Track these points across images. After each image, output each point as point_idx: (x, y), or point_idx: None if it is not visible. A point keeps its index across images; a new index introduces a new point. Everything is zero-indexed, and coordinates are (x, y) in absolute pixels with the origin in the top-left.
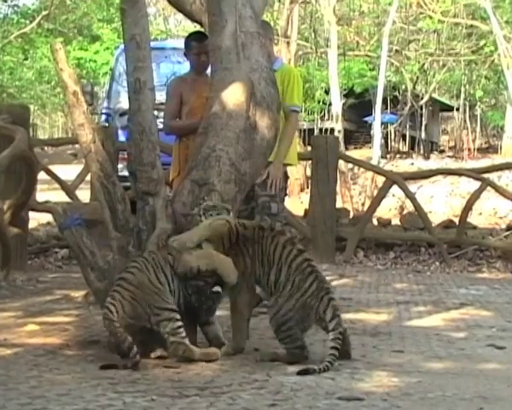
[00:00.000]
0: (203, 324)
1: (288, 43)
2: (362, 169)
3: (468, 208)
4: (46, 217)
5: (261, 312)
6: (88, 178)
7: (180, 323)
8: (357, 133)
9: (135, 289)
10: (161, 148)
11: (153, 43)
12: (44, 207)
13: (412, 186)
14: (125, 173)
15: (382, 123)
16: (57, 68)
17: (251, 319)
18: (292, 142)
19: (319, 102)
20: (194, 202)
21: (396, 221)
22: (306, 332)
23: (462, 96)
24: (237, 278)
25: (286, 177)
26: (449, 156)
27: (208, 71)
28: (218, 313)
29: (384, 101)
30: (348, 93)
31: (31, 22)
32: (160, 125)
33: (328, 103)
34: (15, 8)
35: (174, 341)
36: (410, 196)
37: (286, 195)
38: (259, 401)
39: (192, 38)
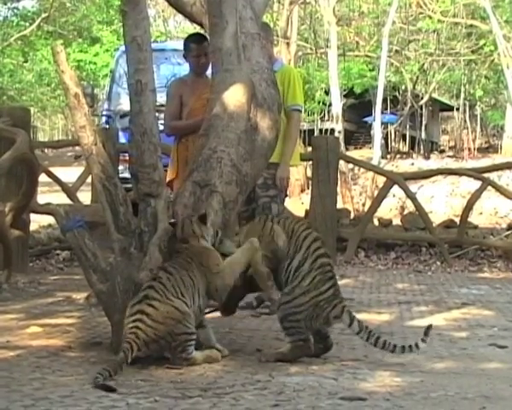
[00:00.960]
0: (197, 326)
1: (287, 43)
2: (362, 169)
3: (468, 208)
4: (47, 219)
5: (263, 313)
6: (89, 180)
7: (192, 342)
8: (358, 134)
9: (159, 325)
10: (162, 149)
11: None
12: (46, 210)
13: (413, 186)
14: (126, 175)
15: (382, 123)
16: (58, 70)
17: (254, 320)
18: (296, 142)
19: (319, 102)
20: (196, 203)
21: (397, 221)
22: (310, 331)
23: (462, 95)
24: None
25: None
26: (449, 156)
27: (208, 72)
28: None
29: (384, 101)
30: (348, 93)
31: (30, 25)
32: (161, 127)
33: (328, 104)
34: (15, 11)
35: (181, 357)
36: (411, 196)
37: (286, 196)
38: (262, 402)
39: (191, 39)
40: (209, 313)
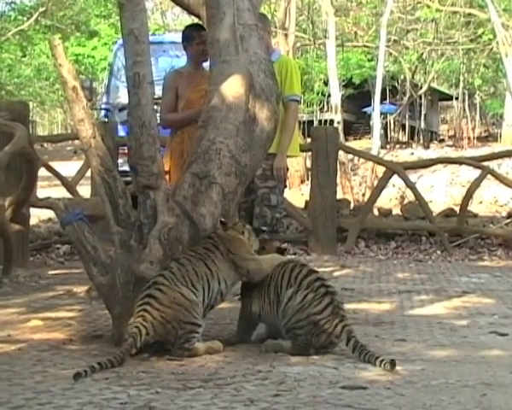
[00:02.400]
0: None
1: (286, 35)
2: (362, 160)
3: (468, 197)
4: (47, 213)
5: None
6: (88, 173)
7: (198, 334)
8: (357, 124)
9: (166, 308)
10: (161, 142)
11: (151, 38)
12: (45, 204)
13: (412, 176)
14: (126, 168)
15: (381, 113)
16: (56, 64)
17: None
18: (293, 132)
19: (318, 93)
20: (195, 195)
21: (397, 211)
22: (309, 349)
23: (461, 84)
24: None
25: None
26: (448, 145)
27: (205, 64)
28: (221, 305)
29: (383, 91)
30: (347, 84)
31: (28, 19)
32: (159, 120)
33: (327, 95)
34: (13, 6)
35: (183, 347)
36: (411, 186)
37: (285, 186)
38: (263, 392)
39: (192, 28)
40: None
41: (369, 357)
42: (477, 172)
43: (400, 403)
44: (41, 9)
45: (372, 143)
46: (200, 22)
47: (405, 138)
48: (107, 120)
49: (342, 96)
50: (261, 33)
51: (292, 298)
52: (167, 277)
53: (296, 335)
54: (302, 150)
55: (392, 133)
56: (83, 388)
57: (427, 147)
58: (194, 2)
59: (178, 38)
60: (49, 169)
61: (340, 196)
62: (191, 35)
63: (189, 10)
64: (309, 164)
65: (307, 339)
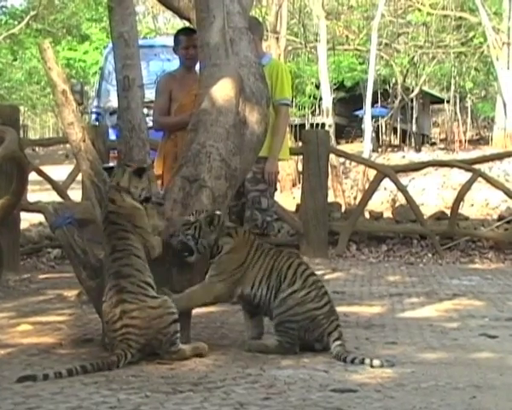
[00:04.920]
0: None
1: (277, 38)
2: (353, 163)
3: (459, 199)
4: (38, 217)
5: None
6: (79, 177)
7: (178, 334)
8: (349, 127)
9: (147, 330)
10: (151, 145)
11: (142, 41)
12: (36, 207)
13: (404, 179)
14: None
15: (373, 117)
16: (46, 67)
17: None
18: (284, 136)
19: (310, 97)
20: (186, 198)
21: (388, 214)
22: (295, 346)
23: (453, 88)
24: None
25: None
26: (440, 148)
27: (198, 68)
28: (212, 308)
29: (374, 94)
30: (338, 87)
31: (19, 23)
32: (150, 123)
33: (318, 98)
34: (3, 9)
35: (170, 351)
36: (402, 189)
37: (276, 190)
38: (253, 395)
39: (181, 32)
40: None
41: (352, 359)
42: (468, 175)
43: (390, 406)
44: (32, 13)
45: (363, 147)
46: (191, 26)
47: (397, 141)
48: (97, 123)
49: (334, 99)
50: (251, 36)
51: (296, 292)
52: (131, 300)
53: (287, 328)
54: (294, 154)
55: (384, 136)
56: (72, 392)
57: (418, 150)
58: (184, 5)
59: (169, 41)
60: (40, 173)
61: (331, 199)
62: (178, 39)
63: (179, 13)
64: (300, 167)
65: (299, 334)
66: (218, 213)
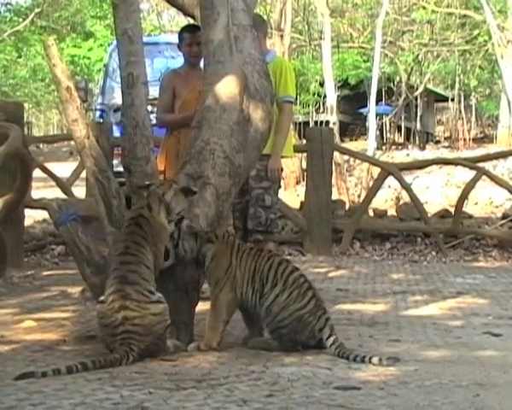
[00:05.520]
0: None
1: (281, 36)
2: (357, 161)
3: (463, 198)
4: (42, 214)
5: None
6: (83, 174)
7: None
8: (353, 125)
9: (147, 337)
10: (155, 142)
11: (146, 39)
12: (40, 204)
13: (408, 177)
14: (121, 169)
15: (377, 114)
16: (50, 64)
17: None
18: (288, 133)
19: (314, 94)
20: None
21: (392, 212)
22: (296, 345)
23: (457, 86)
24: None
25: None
26: (444, 147)
27: (202, 65)
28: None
29: (379, 92)
30: (343, 85)
31: (24, 20)
32: (154, 120)
33: (322, 96)
34: (8, 7)
35: (159, 350)
36: (406, 187)
37: (280, 187)
38: (256, 393)
39: (185, 30)
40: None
41: (348, 355)
42: (472, 174)
43: (393, 403)
44: (36, 10)
45: (368, 145)
46: (195, 23)
47: (401, 139)
48: (102, 120)
49: (338, 97)
50: (255, 34)
51: (278, 296)
52: (134, 308)
53: (281, 334)
54: (298, 151)
55: (388, 134)
56: (75, 388)
57: (422, 148)
58: (189, 2)
59: (174, 38)
60: (44, 170)
61: (335, 196)
62: (182, 36)
63: (184, 11)
64: (304, 165)
65: (291, 337)
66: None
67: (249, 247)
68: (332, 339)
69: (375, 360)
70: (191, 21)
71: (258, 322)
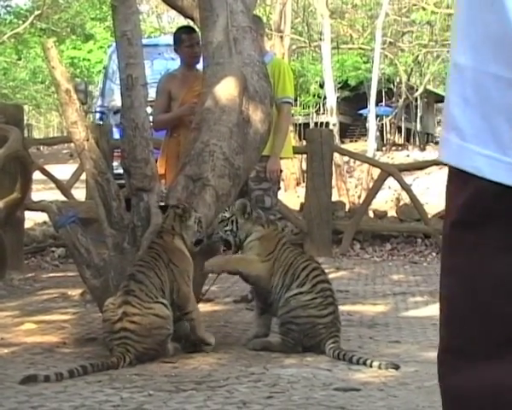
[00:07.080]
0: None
1: (281, 37)
2: (357, 162)
3: None
4: (42, 216)
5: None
6: (83, 176)
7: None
8: (353, 126)
9: (145, 338)
10: (155, 144)
11: (146, 40)
12: (39, 206)
13: (408, 178)
14: (121, 171)
15: (377, 116)
16: (49, 67)
17: (249, 314)
18: (287, 134)
19: (314, 95)
20: (189, 197)
21: (392, 213)
22: (297, 347)
23: None
24: None
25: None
26: None
27: (199, 66)
28: (215, 307)
29: (379, 93)
30: (343, 86)
31: (23, 22)
32: None
33: (322, 97)
34: (8, 9)
35: (158, 354)
36: (406, 188)
37: (279, 188)
38: (256, 394)
39: (181, 31)
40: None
41: (350, 358)
42: None
43: (393, 405)
44: (36, 12)
45: (368, 146)
46: (194, 25)
47: (401, 141)
48: (101, 122)
49: (338, 98)
50: (255, 35)
51: (302, 294)
52: (135, 304)
53: (289, 330)
54: (298, 152)
55: (388, 135)
56: (75, 391)
57: (422, 149)
58: (188, 4)
59: None
60: (44, 172)
61: (335, 198)
62: (180, 38)
63: (183, 12)
64: (304, 166)
65: (298, 336)
66: (246, 201)
67: (294, 247)
68: (331, 341)
69: (375, 364)
70: (191, 23)
71: (272, 315)
